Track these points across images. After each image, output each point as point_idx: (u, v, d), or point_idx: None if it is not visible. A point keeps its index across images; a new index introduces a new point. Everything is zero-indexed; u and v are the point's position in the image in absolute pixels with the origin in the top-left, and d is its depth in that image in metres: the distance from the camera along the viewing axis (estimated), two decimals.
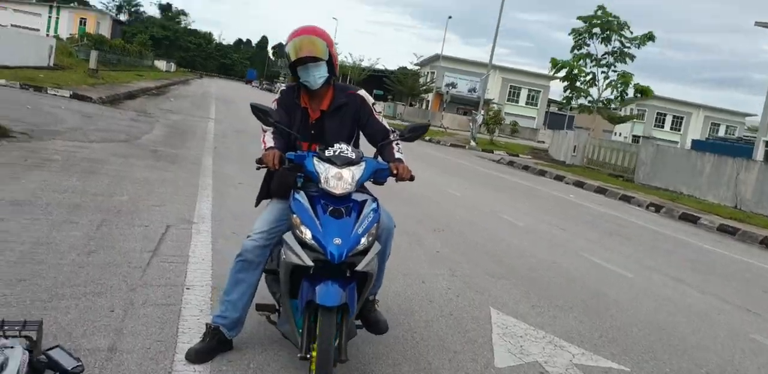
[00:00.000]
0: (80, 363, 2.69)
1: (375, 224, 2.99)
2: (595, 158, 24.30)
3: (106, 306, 3.77)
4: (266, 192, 3.52)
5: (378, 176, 3.16)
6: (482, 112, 32.40)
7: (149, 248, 4.97)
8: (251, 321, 3.47)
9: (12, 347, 2.97)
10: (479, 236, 7.40)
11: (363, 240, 2.90)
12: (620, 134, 62.00)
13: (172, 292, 4.12)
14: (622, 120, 37.51)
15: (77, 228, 5.27)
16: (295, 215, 2.96)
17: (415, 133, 3.28)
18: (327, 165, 2.99)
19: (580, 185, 17.57)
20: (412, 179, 3.19)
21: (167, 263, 4.67)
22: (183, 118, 17.87)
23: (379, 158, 3.27)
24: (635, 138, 58.64)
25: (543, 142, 45.16)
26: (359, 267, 2.87)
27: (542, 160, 26.13)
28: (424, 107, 62.63)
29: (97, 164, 8.31)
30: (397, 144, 3.36)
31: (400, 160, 3.27)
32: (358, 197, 3.12)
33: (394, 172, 3.16)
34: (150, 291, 4.08)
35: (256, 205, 3.58)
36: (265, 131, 3.36)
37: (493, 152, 27.18)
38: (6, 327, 3.11)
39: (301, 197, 3.01)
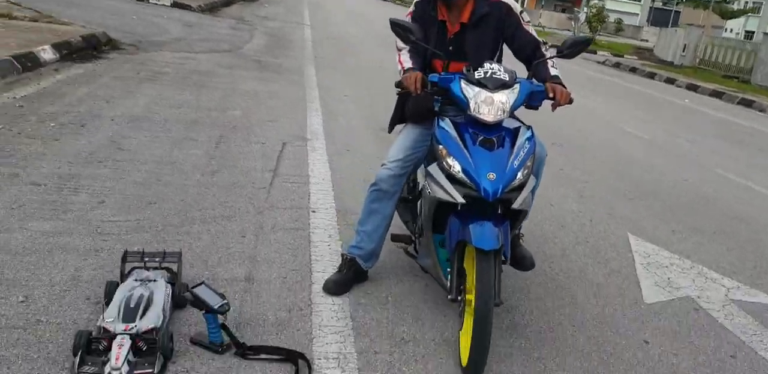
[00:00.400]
0: (225, 301, 2.56)
1: (531, 156, 2.63)
2: (707, 58, 22.32)
3: (237, 230, 3.66)
4: (400, 117, 3.18)
5: (531, 100, 2.76)
6: (585, 9, 30.16)
7: (269, 168, 4.82)
8: (384, 250, 3.26)
9: (155, 280, 2.89)
10: (602, 151, 6.88)
11: (519, 175, 2.55)
12: (731, 31, 56.96)
13: (299, 215, 3.97)
14: (735, 15, 34.10)
15: (197, 146, 5.18)
16: (441, 146, 2.63)
17: (575, 49, 2.81)
18: (477, 89, 2.60)
19: (693, 88, 16.22)
20: (570, 102, 2.77)
21: (289, 184, 4.52)
22: (279, 25, 17.46)
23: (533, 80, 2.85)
24: (748, 34, 53.79)
25: (646, 40, 42.07)
26: (515, 205, 2.54)
27: (649, 61, 24.27)
28: (519, 3, 59.17)
29: (205, 76, 8.19)
30: (552, 58, 2.91)
31: (556, 78, 2.84)
32: (510, 124, 2.74)
33: (551, 95, 2.74)
34: (277, 215, 3.94)
35: (390, 131, 3.27)
36: (400, 50, 2.97)
37: (596, 53, 25.43)
38: (146, 259, 3.02)
39: (447, 124, 2.66)
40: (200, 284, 2.57)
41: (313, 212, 4.04)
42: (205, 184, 4.35)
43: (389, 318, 2.89)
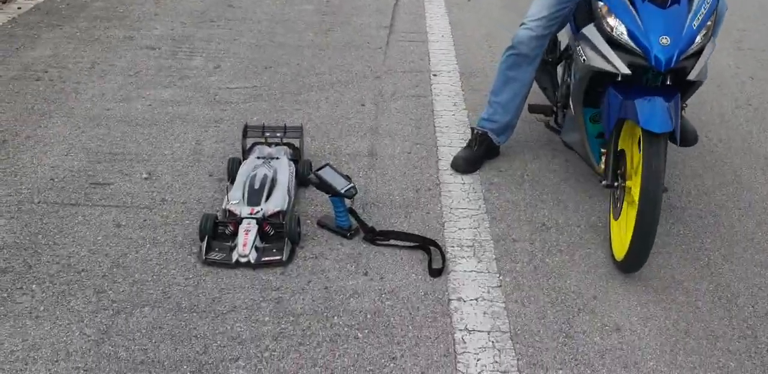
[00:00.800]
0: (352, 184, 2.27)
1: (712, 14, 2.04)
2: None
3: (356, 98, 3.33)
4: None
5: None
6: None
7: (384, 24, 4.33)
8: (520, 122, 2.84)
9: (277, 158, 2.63)
10: None
11: (698, 38, 2.00)
12: None
13: (419, 80, 3.55)
14: None
15: (308, 0, 4.73)
16: (601, 3, 2.08)
17: None
18: None
19: None
20: None
21: (407, 42, 4.05)
22: None
23: None
24: None
25: None
26: (692, 77, 2.02)
27: None
28: None
29: None
30: None
31: None
32: None
33: None
34: (396, 79, 3.55)
35: None
36: None
37: None
38: (267, 134, 2.74)
39: None
40: (325, 165, 2.31)
41: (434, 75, 3.61)
42: (319, 45, 3.97)
43: (526, 200, 2.55)
